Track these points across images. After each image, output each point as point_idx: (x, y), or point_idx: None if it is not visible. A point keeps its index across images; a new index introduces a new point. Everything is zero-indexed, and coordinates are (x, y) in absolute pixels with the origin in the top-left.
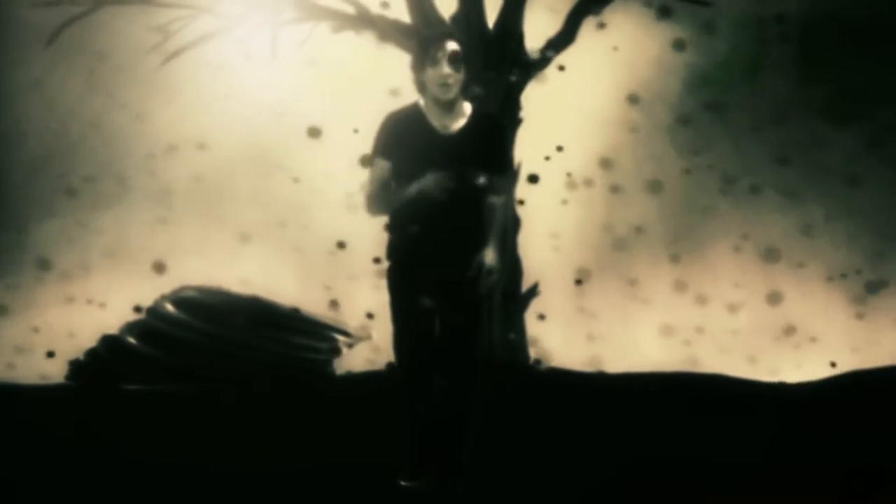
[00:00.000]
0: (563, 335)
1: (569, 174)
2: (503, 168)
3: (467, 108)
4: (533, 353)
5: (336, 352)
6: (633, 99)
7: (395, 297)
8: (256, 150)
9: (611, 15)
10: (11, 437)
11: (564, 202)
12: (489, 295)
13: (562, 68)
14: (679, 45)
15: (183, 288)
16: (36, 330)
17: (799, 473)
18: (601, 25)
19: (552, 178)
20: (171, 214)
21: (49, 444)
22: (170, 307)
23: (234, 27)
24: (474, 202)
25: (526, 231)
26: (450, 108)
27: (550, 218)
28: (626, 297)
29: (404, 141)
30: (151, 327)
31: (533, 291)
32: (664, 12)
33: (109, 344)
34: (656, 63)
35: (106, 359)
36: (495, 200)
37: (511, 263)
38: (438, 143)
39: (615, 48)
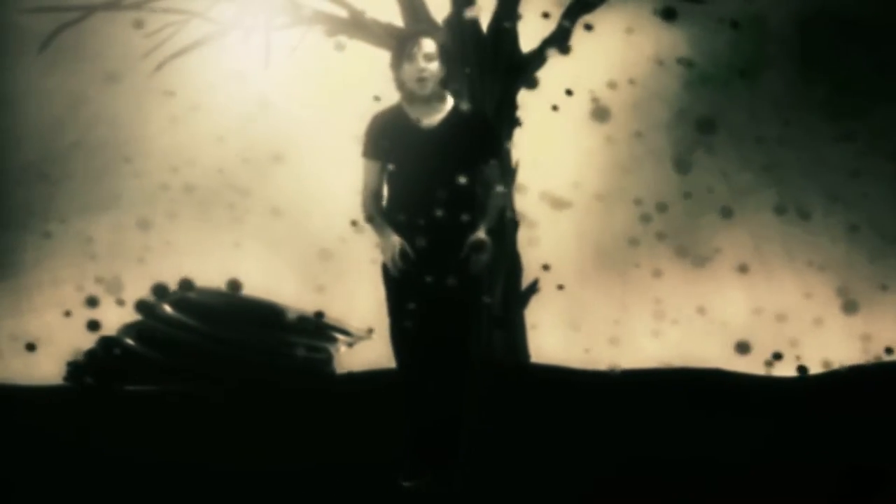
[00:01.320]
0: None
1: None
2: (491, 157)
3: (449, 102)
4: (609, 358)
5: (336, 351)
6: (701, 115)
7: (390, 294)
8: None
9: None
10: (10, 438)
11: (633, 214)
12: (480, 278)
13: (632, 82)
14: (749, 63)
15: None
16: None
17: (798, 472)
18: (680, 61)
19: (622, 190)
20: (159, 217)
21: (47, 445)
22: (168, 308)
23: (227, 32)
24: (462, 194)
25: (599, 241)
26: (429, 102)
27: (625, 229)
28: (700, 311)
29: (389, 139)
30: (150, 328)
31: (532, 289)
32: (733, 26)
33: (107, 345)
34: (723, 83)
35: (104, 360)
36: (487, 188)
37: (511, 262)
38: (420, 137)
39: (690, 63)
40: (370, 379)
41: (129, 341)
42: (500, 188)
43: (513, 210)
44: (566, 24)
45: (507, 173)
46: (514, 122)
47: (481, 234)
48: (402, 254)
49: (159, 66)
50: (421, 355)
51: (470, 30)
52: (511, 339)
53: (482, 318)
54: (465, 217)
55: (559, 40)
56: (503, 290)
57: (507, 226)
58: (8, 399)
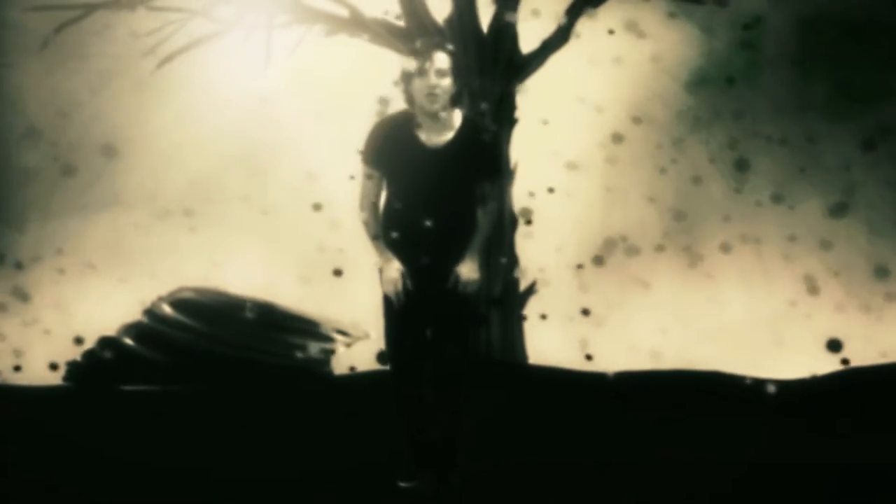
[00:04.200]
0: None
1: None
2: (490, 177)
3: (458, 118)
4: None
5: (334, 351)
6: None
7: (388, 304)
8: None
9: None
10: (10, 437)
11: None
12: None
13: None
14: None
15: (180, 289)
16: None
17: (798, 473)
18: (731, 80)
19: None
20: (161, 215)
21: (47, 445)
22: (167, 308)
23: (227, 31)
24: (458, 214)
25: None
26: (438, 119)
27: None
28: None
29: (391, 151)
30: (149, 328)
31: (531, 290)
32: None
33: (107, 345)
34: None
35: (104, 360)
36: (481, 210)
37: (509, 262)
38: (423, 155)
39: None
40: (368, 379)
41: (129, 341)
42: (491, 204)
43: (512, 210)
44: (567, 22)
45: (506, 174)
46: (513, 122)
47: (471, 265)
48: (404, 288)
49: (160, 65)
50: (415, 354)
51: (471, 29)
52: (509, 339)
53: (471, 326)
54: (459, 237)
55: (560, 40)
56: (502, 287)
57: (505, 226)
58: (7, 399)
